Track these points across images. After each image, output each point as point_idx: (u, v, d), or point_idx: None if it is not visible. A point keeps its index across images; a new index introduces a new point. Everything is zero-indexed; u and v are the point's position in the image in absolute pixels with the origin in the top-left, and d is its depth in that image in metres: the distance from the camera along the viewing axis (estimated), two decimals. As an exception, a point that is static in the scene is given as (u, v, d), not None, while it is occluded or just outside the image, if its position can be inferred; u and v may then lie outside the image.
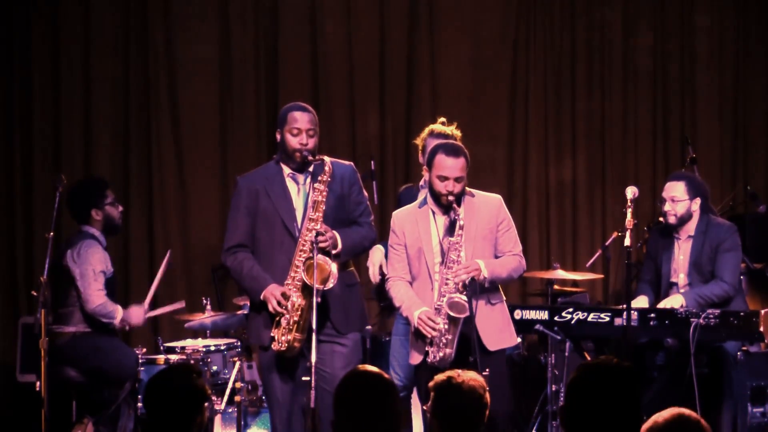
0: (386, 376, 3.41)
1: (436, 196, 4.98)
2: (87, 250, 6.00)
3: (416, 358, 5.02)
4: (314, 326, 4.69)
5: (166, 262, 6.35)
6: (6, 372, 7.01)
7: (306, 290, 4.80)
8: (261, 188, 4.99)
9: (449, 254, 4.91)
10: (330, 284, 4.77)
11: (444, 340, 4.86)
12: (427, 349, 4.91)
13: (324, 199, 4.86)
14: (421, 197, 6.02)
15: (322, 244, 4.77)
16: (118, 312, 6.01)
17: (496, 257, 5.09)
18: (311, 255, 4.75)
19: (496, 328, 5.07)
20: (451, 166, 4.93)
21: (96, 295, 5.95)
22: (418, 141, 6.12)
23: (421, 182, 6.18)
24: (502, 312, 5.14)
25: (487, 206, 5.06)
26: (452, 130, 6.06)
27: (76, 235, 6.14)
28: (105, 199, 6.17)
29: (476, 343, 4.78)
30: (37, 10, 7.32)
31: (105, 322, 6.00)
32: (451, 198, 4.92)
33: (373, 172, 7.01)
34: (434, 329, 4.86)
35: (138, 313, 6.11)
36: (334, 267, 4.78)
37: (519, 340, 6.70)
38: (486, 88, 8.02)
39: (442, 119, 6.23)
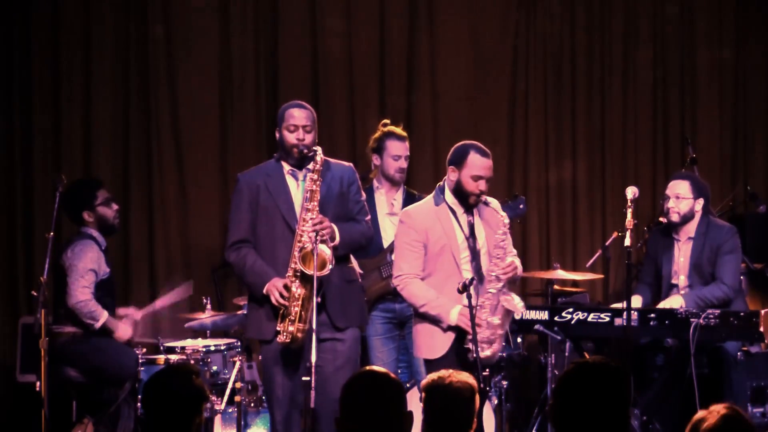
0: (393, 376, 3.40)
1: (464, 195, 5.05)
2: (82, 248, 6.01)
3: (434, 354, 5.02)
4: (314, 326, 4.76)
5: (181, 291, 6.38)
6: (6, 372, 7.01)
7: (304, 279, 4.88)
8: (261, 184, 5.12)
9: (494, 252, 5.01)
10: (327, 270, 4.84)
11: (494, 337, 4.98)
12: (467, 346, 4.94)
13: (318, 188, 4.98)
14: (380, 197, 6.08)
15: (318, 228, 4.84)
16: (103, 316, 5.97)
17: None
18: (304, 245, 4.86)
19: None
20: (484, 165, 5.07)
21: (80, 291, 5.93)
22: (371, 142, 6.21)
23: (375, 183, 6.20)
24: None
25: (496, 207, 5.12)
26: (402, 131, 6.18)
27: (76, 235, 6.16)
28: (95, 200, 6.15)
29: (477, 344, 4.80)
30: (37, 9, 7.31)
31: (87, 323, 5.97)
32: (482, 197, 5.05)
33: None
34: (480, 326, 4.92)
35: (124, 330, 6.07)
36: (329, 253, 4.86)
37: (519, 340, 6.72)
38: (486, 88, 8.01)
39: (387, 120, 6.31)
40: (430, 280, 5.08)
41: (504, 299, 4.96)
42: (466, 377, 3.61)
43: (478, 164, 5.05)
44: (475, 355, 4.85)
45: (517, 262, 5.17)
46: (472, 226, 5.07)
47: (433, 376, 3.62)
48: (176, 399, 3.42)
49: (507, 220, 5.04)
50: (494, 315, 4.97)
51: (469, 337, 4.91)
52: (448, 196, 5.11)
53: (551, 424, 3.03)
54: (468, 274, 5.02)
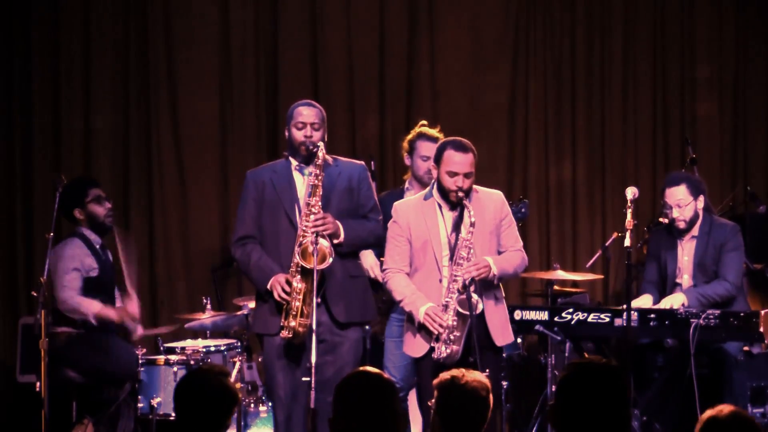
0: (386, 376, 3.42)
1: (445, 192, 5.00)
2: (62, 248, 6.00)
3: (417, 352, 5.03)
4: (314, 326, 4.77)
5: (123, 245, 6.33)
6: (6, 372, 7.01)
7: (304, 274, 4.92)
8: (267, 180, 5.17)
9: (459, 251, 4.93)
10: (326, 263, 4.87)
11: (452, 337, 4.88)
12: (432, 345, 4.93)
13: (320, 183, 4.99)
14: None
15: (321, 228, 4.85)
16: (92, 307, 5.94)
17: (499, 252, 5.11)
18: (303, 240, 4.89)
19: (502, 325, 5.12)
20: (460, 161, 4.98)
21: (62, 292, 5.89)
22: (405, 143, 6.17)
23: (406, 185, 6.19)
24: (504, 309, 5.19)
25: (492, 202, 5.10)
26: (436, 132, 6.13)
27: (69, 234, 6.16)
28: (86, 197, 6.13)
29: (476, 343, 4.79)
30: (37, 10, 7.32)
31: (81, 320, 5.96)
32: (461, 194, 4.96)
33: (373, 172, 7.01)
34: (442, 326, 4.87)
35: (132, 307, 6.06)
36: (327, 245, 4.90)
37: (519, 340, 6.71)
38: (486, 88, 8.01)
39: (424, 121, 6.28)
40: (417, 275, 5.07)
41: (459, 300, 4.88)
42: (479, 376, 3.62)
43: (452, 160, 4.98)
44: (443, 355, 4.86)
45: (514, 258, 5.11)
46: (456, 223, 4.99)
47: (446, 375, 3.62)
48: (212, 399, 3.44)
49: (473, 219, 4.91)
50: (451, 316, 4.91)
51: (434, 335, 4.90)
52: (435, 192, 5.09)
53: (551, 425, 3.03)
54: (447, 271, 4.99)
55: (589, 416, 2.95)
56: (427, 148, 6.11)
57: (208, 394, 3.44)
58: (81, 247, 6.04)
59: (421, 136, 6.14)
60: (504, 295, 5.21)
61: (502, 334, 5.11)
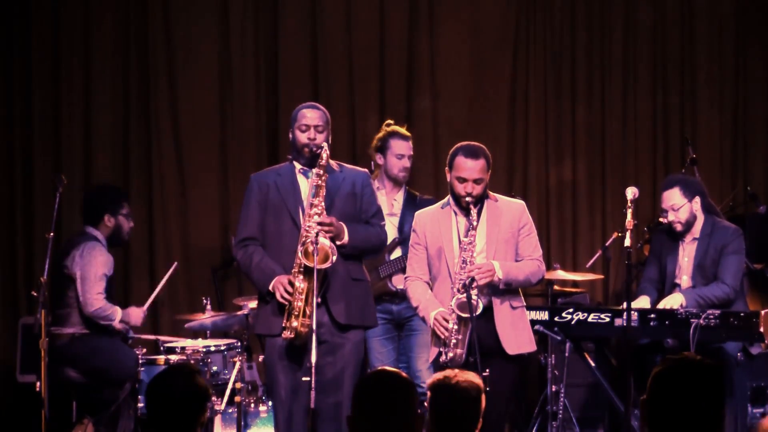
0: (405, 376, 3.41)
1: (456, 198, 5.01)
2: (91, 252, 6.02)
3: (431, 357, 5.08)
4: (314, 326, 4.78)
5: (171, 272, 6.42)
6: (6, 372, 7.01)
7: (307, 273, 4.93)
8: (272, 182, 5.18)
9: (461, 254, 4.93)
10: (329, 263, 4.88)
11: (454, 341, 4.88)
12: (440, 349, 4.94)
13: (323, 183, 4.99)
14: (380, 197, 6.08)
15: (325, 228, 4.90)
16: (117, 313, 6.04)
17: (517, 261, 5.10)
18: (305, 240, 4.90)
19: (516, 332, 5.07)
20: (469, 167, 4.98)
21: (96, 299, 5.96)
22: (375, 141, 6.21)
23: (376, 184, 6.19)
24: (522, 317, 5.13)
25: (510, 211, 5.08)
26: (404, 130, 6.18)
27: (79, 236, 6.16)
28: (122, 209, 6.22)
29: (476, 344, 4.79)
30: (37, 10, 7.32)
31: (103, 324, 6.01)
32: (469, 199, 4.95)
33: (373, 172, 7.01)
34: (447, 329, 4.88)
35: (137, 314, 6.13)
36: (329, 244, 4.90)
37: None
38: (486, 88, 8.02)
39: (390, 120, 6.30)
40: (437, 282, 5.09)
41: (457, 303, 4.86)
42: (472, 377, 3.61)
43: (461, 166, 4.98)
44: (447, 358, 4.87)
45: (527, 266, 5.07)
46: (468, 230, 4.99)
47: (439, 375, 3.62)
48: (181, 399, 3.40)
49: (476, 223, 4.93)
50: (452, 319, 4.90)
51: (443, 339, 4.91)
52: (451, 199, 5.11)
53: (642, 418, 3.00)
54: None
55: (683, 412, 2.92)
56: (401, 147, 6.17)
57: (178, 393, 3.40)
58: (106, 253, 6.10)
59: (394, 134, 6.21)
60: (524, 304, 5.17)
61: (516, 341, 5.03)
